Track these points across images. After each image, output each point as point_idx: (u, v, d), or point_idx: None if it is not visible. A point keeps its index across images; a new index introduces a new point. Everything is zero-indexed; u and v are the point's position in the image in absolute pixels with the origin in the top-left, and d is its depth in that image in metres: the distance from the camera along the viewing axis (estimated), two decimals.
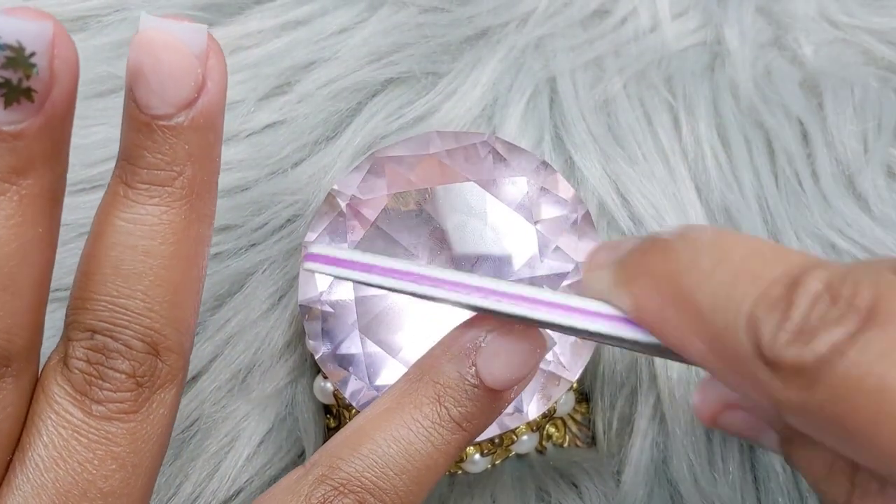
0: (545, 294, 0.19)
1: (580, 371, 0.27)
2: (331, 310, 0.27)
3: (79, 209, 0.30)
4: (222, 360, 0.29)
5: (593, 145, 0.32)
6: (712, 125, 0.33)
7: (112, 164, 0.31)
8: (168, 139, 0.19)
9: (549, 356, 0.27)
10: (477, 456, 0.28)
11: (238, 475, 0.28)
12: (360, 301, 0.27)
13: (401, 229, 0.27)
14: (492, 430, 0.26)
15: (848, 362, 0.14)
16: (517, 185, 0.28)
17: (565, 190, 0.28)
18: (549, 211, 0.28)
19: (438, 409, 0.21)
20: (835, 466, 0.19)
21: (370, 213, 0.27)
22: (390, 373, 0.27)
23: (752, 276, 0.16)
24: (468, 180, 0.28)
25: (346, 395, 0.27)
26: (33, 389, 0.20)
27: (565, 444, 0.31)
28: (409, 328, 0.27)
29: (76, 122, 0.20)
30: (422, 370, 0.21)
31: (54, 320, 0.24)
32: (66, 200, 0.20)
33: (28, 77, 0.17)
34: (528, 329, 0.21)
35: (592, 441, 0.31)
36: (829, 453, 0.19)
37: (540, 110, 0.33)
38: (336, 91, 0.33)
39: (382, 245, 0.27)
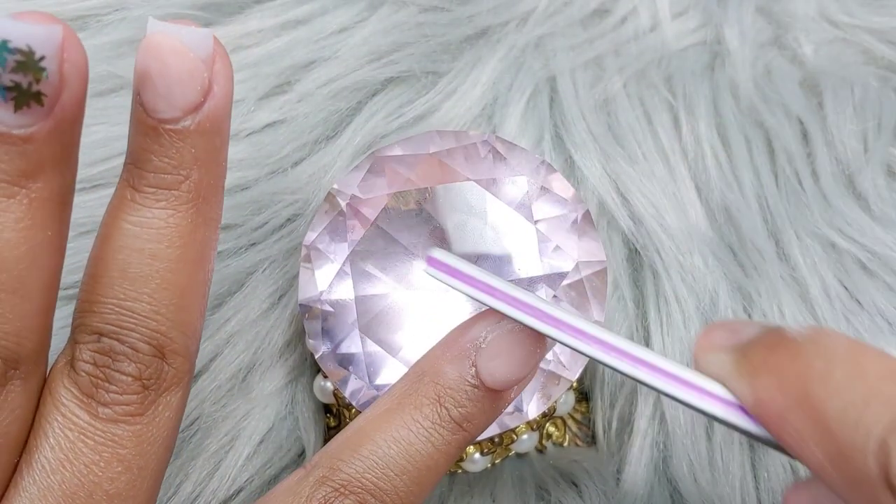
0: (665, 363, 0.19)
1: (580, 370, 0.27)
2: (331, 309, 0.27)
3: (78, 208, 0.30)
4: (222, 359, 0.29)
5: (593, 144, 0.32)
6: (712, 125, 0.33)
7: (112, 164, 0.31)
8: (175, 143, 0.19)
9: (548, 355, 0.27)
10: (477, 455, 0.28)
11: (238, 474, 0.28)
12: (360, 300, 0.27)
13: (401, 228, 0.27)
14: (492, 430, 0.26)
15: None
16: (517, 184, 0.28)
17: (565, 189, 0.28)
18: (549, 210, 0.28)
19: (438, 410, 0.21)
20: None
21: (370, 213, 0.27)
22: (390, 372, 0.27)
23: (888, 399, 0.16)
24: (468, 179, 0.28)
25: (346, 394, 0.27)
26: (41, 392, 0.20)
27: (565, 444, 0.31)
28: (408, 328, 0.27)
29: None
30: (422, 371, 0.21)
31: (55, 319, 0.24)
32: None
33: (38, 81, 0.17)
34: (527, 329, 0.21)
35: (592, 440, 0.31)
36: None
37: (540, 109, 0.33)
38: (336, 90, 0.33)
39: (382, 244, 0.27)
